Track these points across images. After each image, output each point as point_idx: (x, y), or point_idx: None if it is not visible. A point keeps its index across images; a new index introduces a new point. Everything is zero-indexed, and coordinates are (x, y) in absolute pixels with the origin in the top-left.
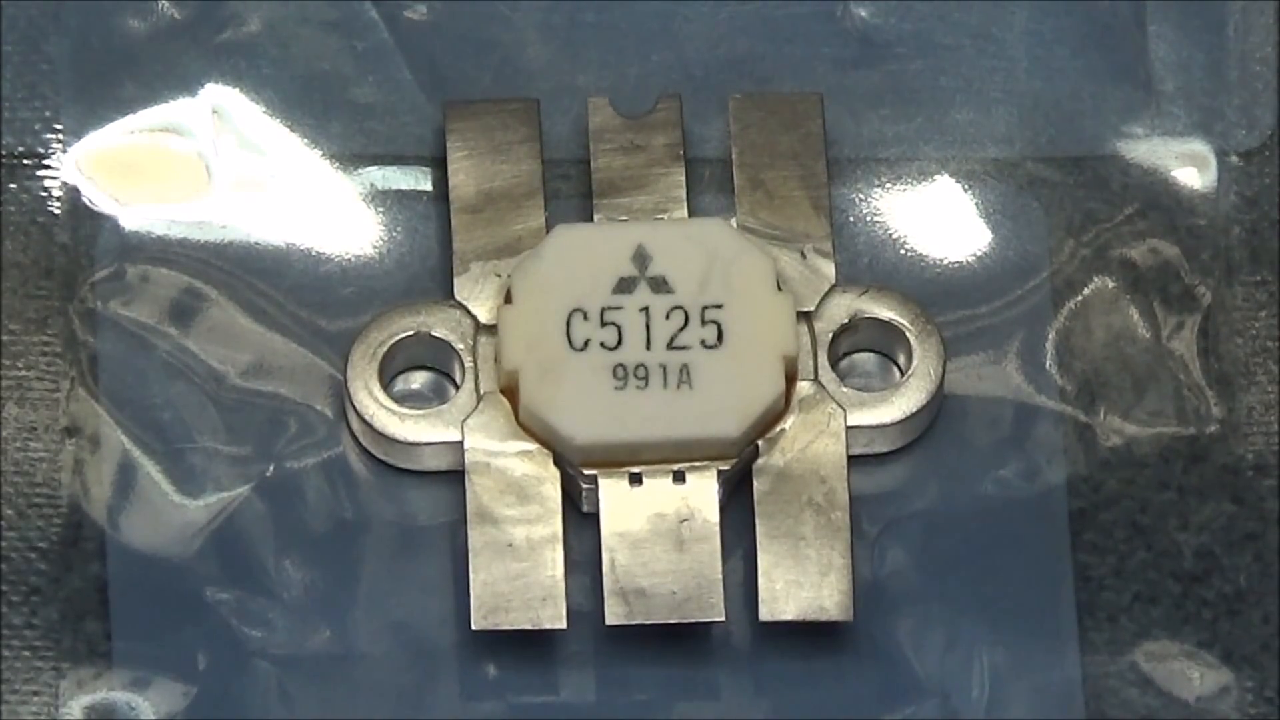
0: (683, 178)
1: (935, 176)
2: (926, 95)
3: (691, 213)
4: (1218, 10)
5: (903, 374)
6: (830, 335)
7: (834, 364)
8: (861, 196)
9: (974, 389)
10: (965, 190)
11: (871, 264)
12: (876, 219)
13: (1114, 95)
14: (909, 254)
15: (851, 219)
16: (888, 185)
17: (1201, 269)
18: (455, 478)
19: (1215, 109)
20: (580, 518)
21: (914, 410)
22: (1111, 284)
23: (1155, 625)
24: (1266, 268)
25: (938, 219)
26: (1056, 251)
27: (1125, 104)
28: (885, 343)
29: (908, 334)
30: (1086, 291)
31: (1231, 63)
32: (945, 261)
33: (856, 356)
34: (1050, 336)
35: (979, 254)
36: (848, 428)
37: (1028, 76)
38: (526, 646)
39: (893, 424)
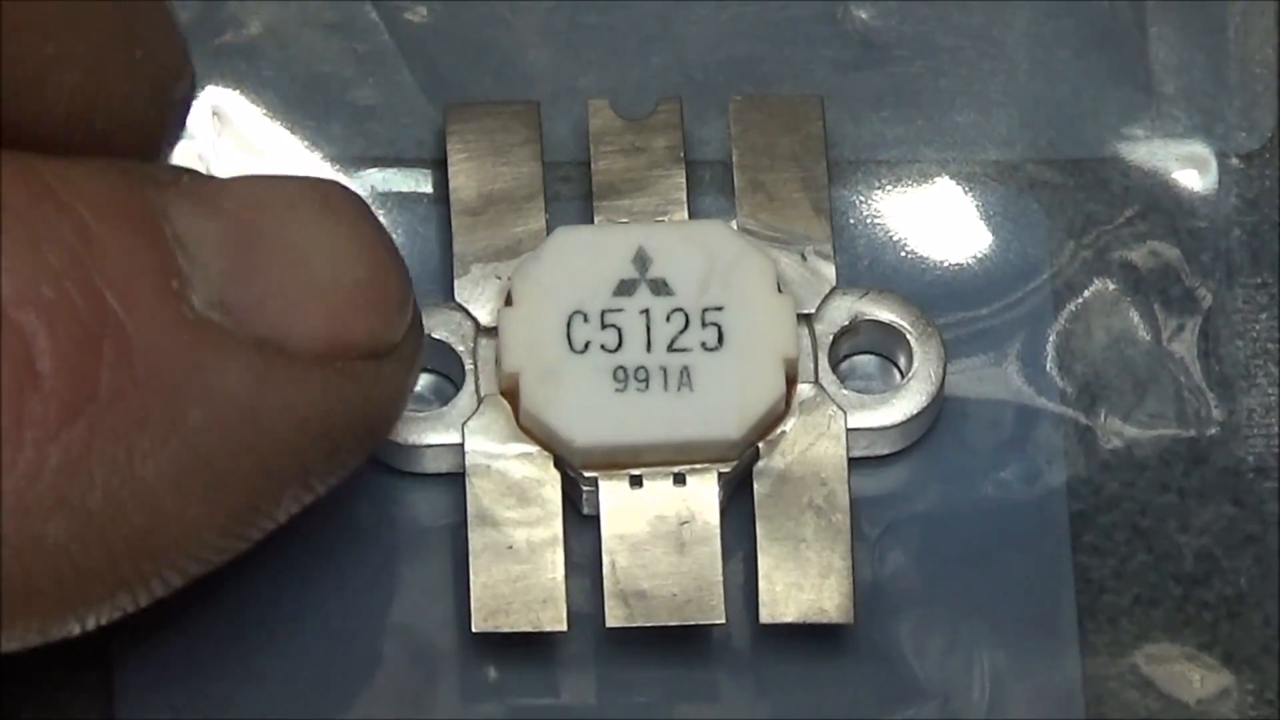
0: (683, 180)
1: (935, 179)
2: (927, 97)
3: (692, 215)
4: (1218, 12)
5: (903, 376)
6: (831, 337)
7: (834, 366)
8: (862, 199)
9: (974, 391)
10: (965, 192)
11: (872, 266)
12: (877, 221)
13: (1114, 97)
14: (909, 256)
15: (851, 221)
16: (888, 187)
17: (1202, 271)
18: (455, 480)
19: (1216, 111)
20: (580, 520)
21: (914, 413)
22: (1112, 286)
23: (1156, 628)
24: (1267, 270)
25: (938, 221)
26: (1057, 254)
27: (1125, 106)
28: (886, 345)
29: (908, 336)
30: (1087, 294)
31: (1232, 65)
32: (945, 264)
33: (857, 358)
34: (1050, 339)
35: (979, 256)
36: (848, 430)
37: (1028, 79)
38: (527, 649)
39: (893, 426)
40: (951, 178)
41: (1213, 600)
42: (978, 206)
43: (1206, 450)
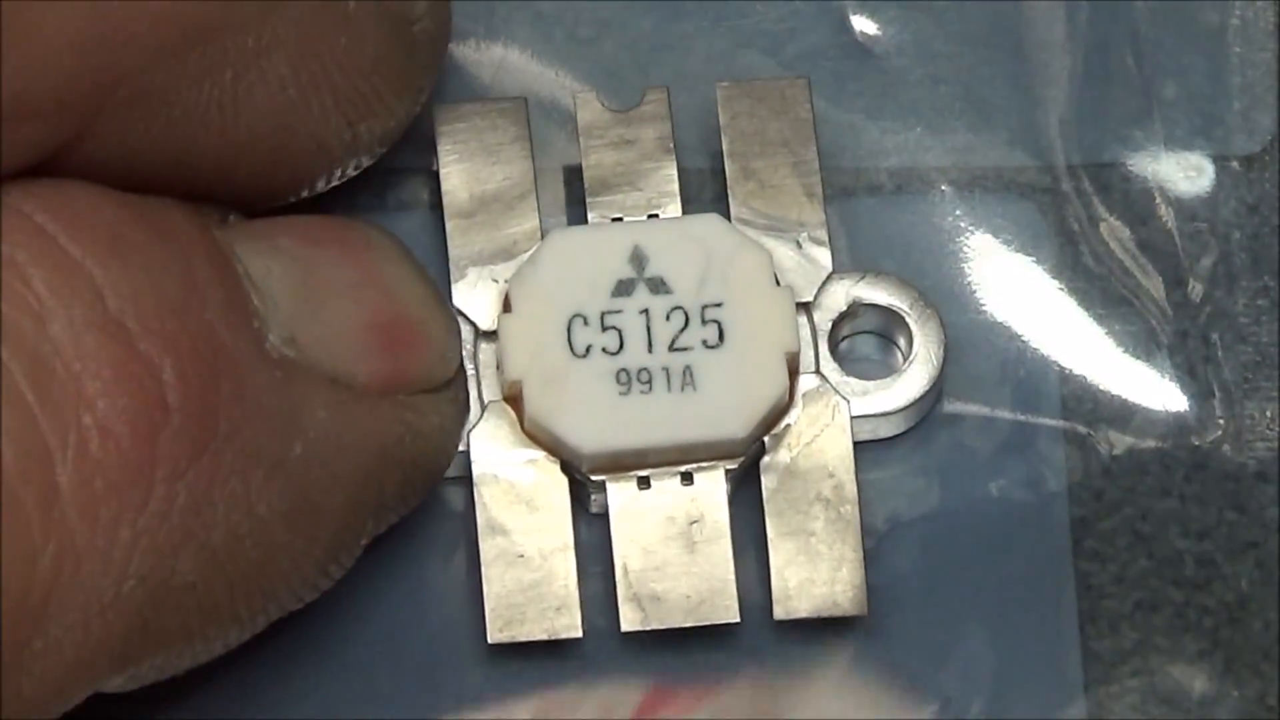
0: (674, 171)
1: (934, 185)
2: (925, 104)
3: (685, 206)
4: (1218, 15)
5: (904, 358)
6: (830, 324)
7: (834, 351)
8: (860, 207)
9: (975, 397)
10: (964, 199)
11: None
12: (875, 229)
13: (1113, 101)
14: (908, 263)
15: (850, 229)
16: (887, 195)
17: (1202, 276)
18: (463, 487)
19: (1215, 114)
20: (590, 525)
21: (917, 396)
22: (1112, 291)
23: (1156, 633)
24: (1267, 274)
25: (937, 228)
26: (1057, 259)
27: (1125, 110)
28: (885, 328)
29: (907, 319)
30: (1087, 299)
31: (1231, 69)
32: (945, 270)
33: (857, 337)
34: (1051, 344)
35: (979, 262)
36: (852, 417)
37: (1027, 84)
38: (541, 655)
39: (896, 411)
40: (950, 184)
41: (1213, 606)
42: (977, 212)
43: (1207, 456)
